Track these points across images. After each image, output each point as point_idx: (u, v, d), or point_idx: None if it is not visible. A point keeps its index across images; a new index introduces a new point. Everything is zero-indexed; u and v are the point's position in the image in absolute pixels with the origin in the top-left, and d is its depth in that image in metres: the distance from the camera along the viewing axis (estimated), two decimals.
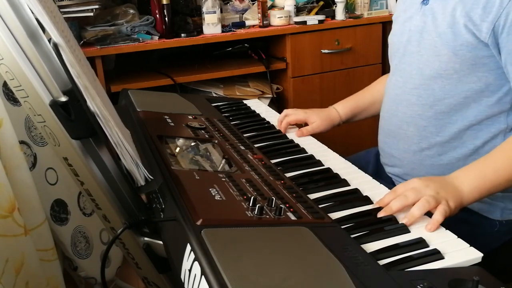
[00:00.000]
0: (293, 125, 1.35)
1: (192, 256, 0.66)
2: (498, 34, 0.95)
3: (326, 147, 1.20)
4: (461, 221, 1.01)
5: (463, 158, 1.06)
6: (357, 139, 2.15)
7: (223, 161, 1.06)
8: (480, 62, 0.99)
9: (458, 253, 0.74)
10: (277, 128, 1.32)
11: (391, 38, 1.21)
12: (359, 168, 1.07)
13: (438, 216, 0.82)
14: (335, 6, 2.15)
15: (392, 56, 1.20)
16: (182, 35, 1.95)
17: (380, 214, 0.85)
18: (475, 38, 0.97)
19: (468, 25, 0.98)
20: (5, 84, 1.32)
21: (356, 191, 0.95)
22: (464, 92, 1.03)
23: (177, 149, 1.10)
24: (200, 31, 2.00)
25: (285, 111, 1.35)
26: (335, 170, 1.04)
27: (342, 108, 1.36)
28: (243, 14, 2.16)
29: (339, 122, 1.36)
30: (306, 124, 1.34)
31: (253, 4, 2.18)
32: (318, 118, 1.33)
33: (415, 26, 1.09)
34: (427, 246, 0.76)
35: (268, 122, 1.38)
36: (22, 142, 1.36)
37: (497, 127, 1.03)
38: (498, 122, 1.03)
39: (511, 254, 1.09)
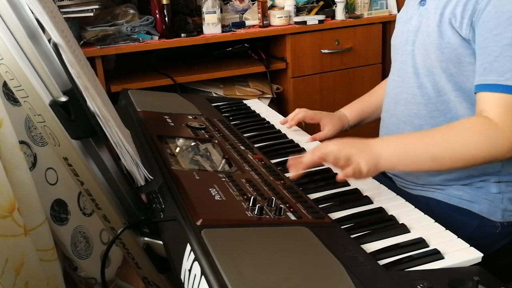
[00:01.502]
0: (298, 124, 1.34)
1: (192, 256, 0.66)
2: (475, 29, 0.96)
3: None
4: (463, 223, 1.01)
5: None
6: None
7: (223, 161, 1.06)
8: (466, 61, 1.00)
9: (458, 253, 0.74)
10: (281, 124, 1.31)
11: (393, 39, 1.23)
12: None
13: (348, 170, 0.87)
14: (335, 6, 2.15)
15: (393, 57, 1.22)
16: (182, 35, 1.95)
17: (290, 170, 0.91)
18: (458, 35, 0.99)
19: (452, 23, 0.99)
20: (5, 84, 1.32)
21: (356, 191, 0.95)
22: (454, 91, 1.04)
23: (177, 149, 1.10)
24: (200, 31, 2.00)
25: (298, 109, 1.33)
26: (335, 170, 1.04)
27: (349, 113, 1.36)
28: (243, 14, 2.16)
29: (347, 128, 1.36)
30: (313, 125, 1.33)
31: (253, 4, 2.18)
32: (330, 123, 1.31)
33: (412, 27, 1.11)
34: (427, 246, 0.76)
35: (268, 122, 1.38)
36: (22, 142, 1.36)
37: None
38: None
39: None
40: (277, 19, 2.07)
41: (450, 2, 1.01)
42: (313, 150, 0.92)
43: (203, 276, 0.61)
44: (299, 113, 1.30)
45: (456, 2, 0.99)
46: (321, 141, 1.26)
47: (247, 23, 2.10)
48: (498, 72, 0.91)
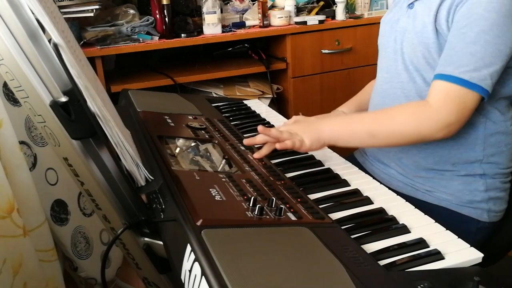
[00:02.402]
0: None
1: (192, 256, 0.66)
2: (451, 21, 1.02)
3: (326, 147, 1.20)
4: (452, 224, 1.03)
5: (446, 147, 1.09)
6: None
7: (223, 161, 1.06)
8: None
9: (458, 253, 0.74)
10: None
11: (380, 39, 1.27)
12: (355, 165, 1.09)
13: (287, 142, 1.04)
14: (336, 6, 2.15)
15: (380, 55, 1.26)
16: (182, 35, 1.95)
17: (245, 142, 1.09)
18: (442, 37, 1.04)
19: (436, 26, 1.05)
20: (5, 85, 1.32)
21: (356, 191, 0.95)
22: None
23: (177, 150, 1.10)
24: (200, 31, 2.00)
25: (294, 117, 1.34)
26: (336, 170, 1.04)
27: (347, 109, 1.39)
28: (243, 14, 2.16)
29: None
30: None
31: (253, 4, 2.18)
32: None
33: (400, 27, 1.16)
34: (428, 246, 0.76)
35: (269, 123, 1.37)
36: (22, 143, 1.36)
37: (476, 119, 1.06)
38: (477, 112, 1.05)
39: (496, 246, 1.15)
40: (277, 19, 2.07)
41: (434, 6, 1.05)
42: (273, 128, 1.08)
43: (203, 277, 0.61)
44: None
45: (439, 6, 1.04)
46: None
47: (247, 23, 2.10)
48: (455, 65, 0.98)
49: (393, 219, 0.84)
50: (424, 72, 1.09)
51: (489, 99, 1.05)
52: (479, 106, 1.05)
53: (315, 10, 2.19)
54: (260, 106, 1.57)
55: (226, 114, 1.44)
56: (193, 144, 1.13)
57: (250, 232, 0.73)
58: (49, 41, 0.75)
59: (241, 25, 2.09)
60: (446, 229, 0.81)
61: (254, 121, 1.39)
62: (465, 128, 1.07)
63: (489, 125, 1.07)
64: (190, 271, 0.65)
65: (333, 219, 0.83)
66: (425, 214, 0.87)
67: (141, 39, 1.88)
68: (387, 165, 1.22)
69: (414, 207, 0.89)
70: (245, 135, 1.24)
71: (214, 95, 2.02)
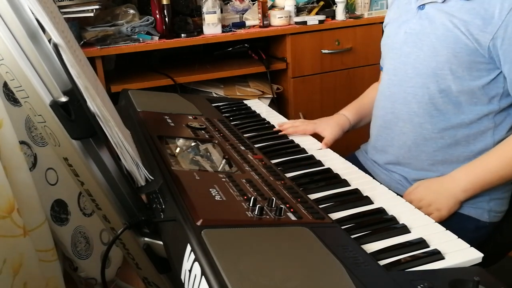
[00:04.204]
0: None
1: (192, 256, 0.66)
2: (498, 46, 0.99)
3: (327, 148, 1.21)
4: (451, 221, 1.03)
5: (456, 153, 1.10)
6: (357, 139, 2.14)
7: (223, 161, 1.06)
8: (476, 67, 1.03)
9: (458, 253, 0.74)
10: (278, 128, 1.31)
11: (384, 40, 1.25)
12: (356, 164, 1.08)
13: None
14: (336, 6, 2.15)
15: (386, 57, 1.24)
16: (182, 35, 1.95)
17: None
18: (473, 45, 1.01)
19: (467, 33, 1.01)
20: (5, 85, 1.32)
21: (356, 191, 0.95)
22: (457, 92, 1.06)
23: (177, 150, 1.10)
24: (200, 31, 2.00)
25: (293, 121, 1.33)
26: (336, 170, 1.04)
27: (349, 113, 1.37)
28: (243, 14, 2.16)
29: (349, 127, 1.36)
30: (317, 135, 1.32)
31: (253, 4, 2.18)
32: (327, 126, 1.31)
33: (411, 29, 1.13)
34: (428, 246, 0.76)
35: (269, 122, 1.38)
36: (22, 143, 1.36)
37: (486, 125, 1.07)
38: (487, 120, 1.07)
39: (496, 246, 1.16)
40: (277, 19, 2.07)
41: (459, 10, 1.02)
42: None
43: (203, 277, 0.61)
44: (291, 127, 1.28)
45: (469, 13, 1.01)
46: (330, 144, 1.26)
47: (247, 23, 2.10)
48: None
49: (393, 219, 0.84)
50: (440, 78, 1.06)
51: (501, 106, 1.06)
52: (490, 114, 1.06)
53: (315, 10, 2.19)
54: (260, 106, 1.57)
55: (226, 114, 1.44)
56: (193, 144, 1.13)
57: (250, 232, 0.73)
58: (49, 41, 0.75)
59: (241, 25, 2.09)
60: (445, 226, 0.81)
61: (254, 121, 1.39)
62: (475, 135, 1.08)
63: (498, 131, 1.08)
64: (190, 271, 0.65)
65: (333, 219, 0.83)
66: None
67: (141, 39, 1.88)
68: (390, 170, 1.21)
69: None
70: (245, 135, 1.24)
71: (214, 95, 2.02)
